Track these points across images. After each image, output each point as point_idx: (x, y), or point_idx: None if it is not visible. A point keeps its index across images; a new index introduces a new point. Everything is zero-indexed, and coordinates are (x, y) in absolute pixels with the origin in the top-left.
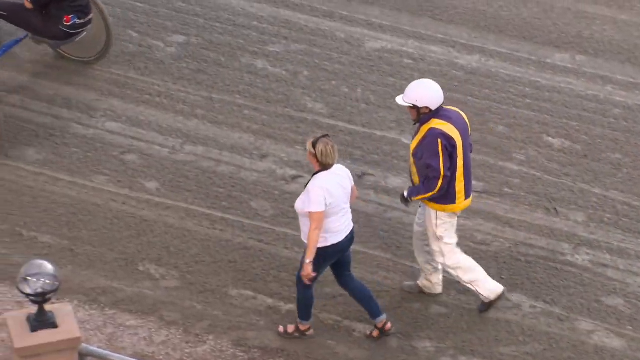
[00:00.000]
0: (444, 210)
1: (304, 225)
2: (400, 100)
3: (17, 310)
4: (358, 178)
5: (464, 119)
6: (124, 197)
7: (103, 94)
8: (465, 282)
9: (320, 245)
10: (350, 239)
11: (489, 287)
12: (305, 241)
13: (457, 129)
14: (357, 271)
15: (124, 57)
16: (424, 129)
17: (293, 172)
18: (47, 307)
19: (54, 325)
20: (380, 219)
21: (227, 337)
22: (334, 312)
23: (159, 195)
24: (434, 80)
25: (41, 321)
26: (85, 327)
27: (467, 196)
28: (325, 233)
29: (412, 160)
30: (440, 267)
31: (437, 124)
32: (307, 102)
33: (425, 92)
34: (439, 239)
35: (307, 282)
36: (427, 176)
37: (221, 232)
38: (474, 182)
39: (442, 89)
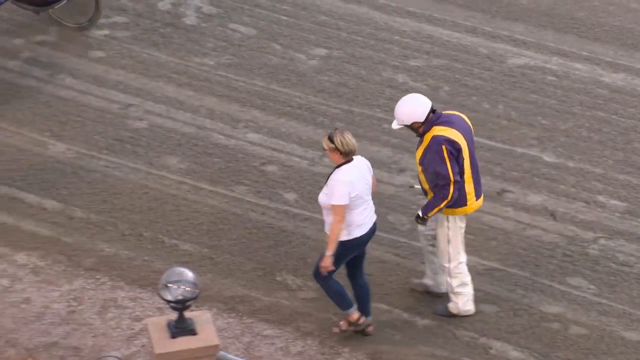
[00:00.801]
0: (454, 214)
1: (327, 217)
2: (394, 125)
3: (157, 316)
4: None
5: (465, 121)
6: (263, 208)
7: (245, 105)
8: (451, 290)
9: (344, 239)
10: (373, 231)
11: (466, 306)
12: (328, 233)
13: (459, 132)
14: (493, 288)
15: (267, 69)
16: (427, 137)
17: None
18: (187, 314)
19: (193, 332)
20: (518, 237)
21: (362, 350)
22: (471, 329)
23: (297, 206)
24: (577, 98)
25: (181, 328)
26: (223, 335)
27: (477, 197)
28: (349, 226)
29: (419, 168)
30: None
31: (439, 130)
32: None
33: (405, 109)
34: (449, 242)
35: (324, 274)
36: (437, 184)
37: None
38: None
39: (586, 106)
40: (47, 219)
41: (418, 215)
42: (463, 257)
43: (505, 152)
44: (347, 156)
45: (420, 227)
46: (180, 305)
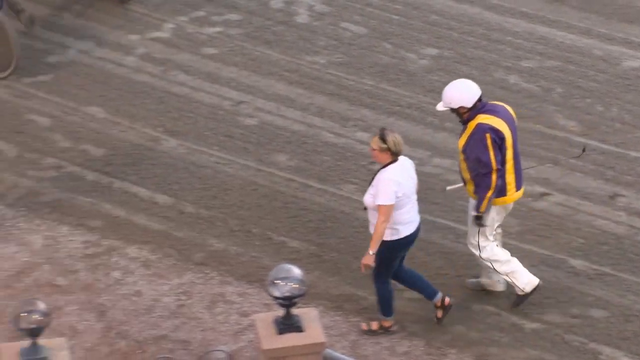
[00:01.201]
0: (494, 204)
1: (373, 217)
2: (439, 106)
3: (265, 312)
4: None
5: (510, 112)
6: None
7: (354, 103)
8: (501, 273)
9: (393, 238)
10: (418, 230)
11: (525, 279)
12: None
13: (504, 121)
14: (604, 293)
15: (377, 68)
16: (471, 125)
17: (541, 190)
18: (294, 311)
19: (300, 329)
20: (630, 242)
21: (469, 352)
22: (581, 334)
23: None
24: None
25: (288, 324)
26: (329, 333)
27: (517, 188)
28: (397, 225)
29: (461, 156)
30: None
31: (483, 119)
32: (559, 119)
33: (454, 93)
34: (481, 232)
35: (363, 271)
36: (479, 173)
37: (464, 246)
38: None
39: None
40: (158, 213)
41: (475, 216)
42: (489, 242)
43: (618, 155)
44: (396, 156)
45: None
46: (288, 302)
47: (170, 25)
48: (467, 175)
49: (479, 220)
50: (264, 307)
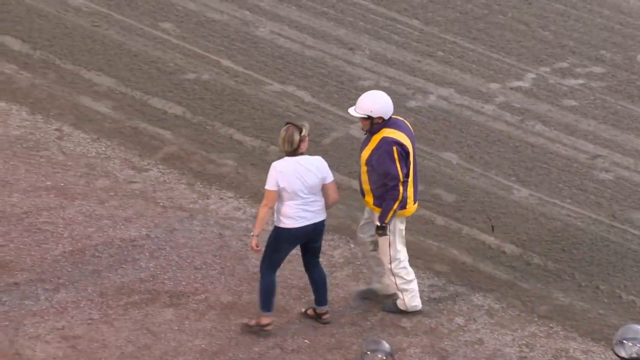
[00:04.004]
0: (396, 216)
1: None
2: (353, 111)
3: None
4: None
5: (409, 127)
6: None
7: None
8: (397, 288)
9: (279, 225)
10: (312, 229)
11: (415, 302)
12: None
13: (407, 136)
14: None
15: None
16: (376, 138)
17: None
18: None
19: None
20: None
21: None
22: None
23: None
24: None
25: None
26: None
27: (415, 201)
28: (280, 215)
29: (364, 169)
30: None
31: (389, 132)
32: None
33: (378, 103)
34: (390, 244)
35: (254, 253)
36: (386, 185)
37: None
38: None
39: None
40: (505, 262)
41: (377, 226)
42: (403, 256)
43: None
44: (291, 152)
45: (360, 236)
46: None
47: (532, 75)
48: (367, 187)
49: (381, 230)
50: None
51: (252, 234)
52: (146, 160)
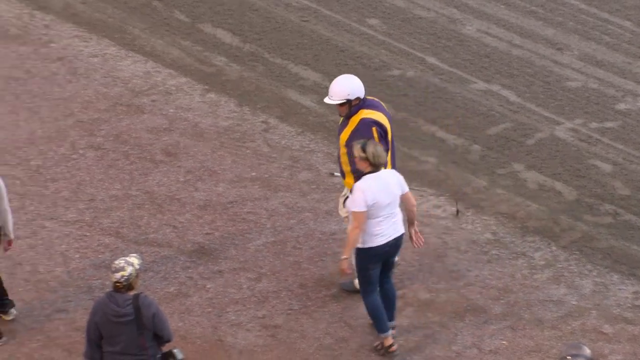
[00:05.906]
0: None
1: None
2: (329, 100)
3: None
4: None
5: (384, 106)
6: None
7: None
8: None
9: (360, 247)
10: (393, 245)
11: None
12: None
13: (384, 115)
14: None
15: None
16: (355, 119)
17: None
18: None
19: None
20: None
21: None
22: None
23: None
24: None
25: None
26: None
27: None
28: (365, 235)
29: (343, 150)
30: None
31: (367, 113)
32: None
33: (352, 84)
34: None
35: (344, 277)
36: None
37: None
38: None
39: None
40: None
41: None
42: None
43: None
44: (375, 167)
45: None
46: None
47: None
48: (347, 168)
49: None
50: None
51: (342, 257)
52: None
